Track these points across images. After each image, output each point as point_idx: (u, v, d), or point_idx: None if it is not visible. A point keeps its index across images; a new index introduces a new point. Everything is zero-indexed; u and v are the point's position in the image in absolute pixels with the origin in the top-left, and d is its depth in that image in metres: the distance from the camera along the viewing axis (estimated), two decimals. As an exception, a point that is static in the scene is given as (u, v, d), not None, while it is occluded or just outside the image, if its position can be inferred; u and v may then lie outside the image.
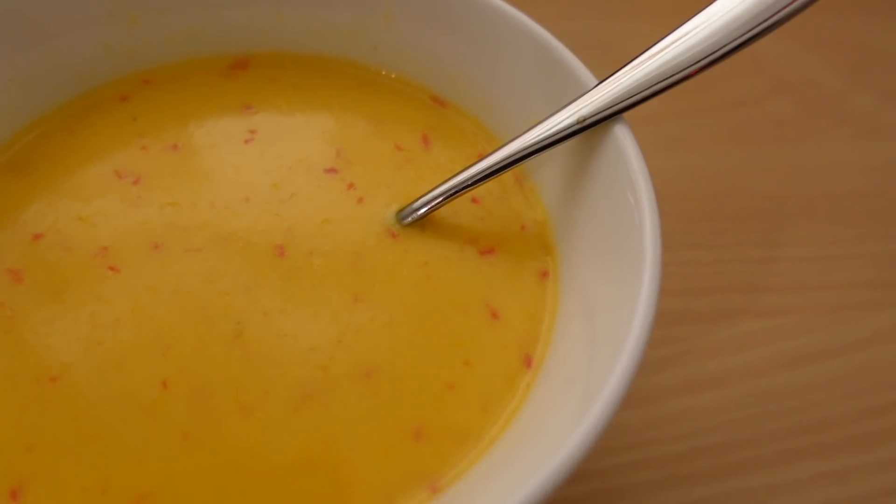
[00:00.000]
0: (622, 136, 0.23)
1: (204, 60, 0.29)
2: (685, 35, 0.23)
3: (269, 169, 0.26)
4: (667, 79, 0.23)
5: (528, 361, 0.23)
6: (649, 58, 0.24)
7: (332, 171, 0.27)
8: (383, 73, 0.30)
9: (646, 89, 0.23)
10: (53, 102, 0.27)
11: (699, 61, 0.23)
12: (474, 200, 0.27)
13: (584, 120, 0.24)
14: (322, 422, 0.21)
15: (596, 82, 0.25)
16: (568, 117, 0.24)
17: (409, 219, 0.26)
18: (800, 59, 0.52)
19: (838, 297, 0.38)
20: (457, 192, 0.25)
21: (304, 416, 0.21)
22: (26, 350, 0.21)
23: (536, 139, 0.24)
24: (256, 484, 0.19)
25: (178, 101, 0.28)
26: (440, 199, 0.25)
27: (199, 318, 0.22)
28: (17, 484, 0.19)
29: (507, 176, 0.28)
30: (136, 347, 0.21)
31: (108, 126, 0.27)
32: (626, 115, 0.24)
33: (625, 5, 0.55)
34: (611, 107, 0.24)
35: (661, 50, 0.24)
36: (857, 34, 0.53)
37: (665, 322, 0.35)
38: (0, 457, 0.19)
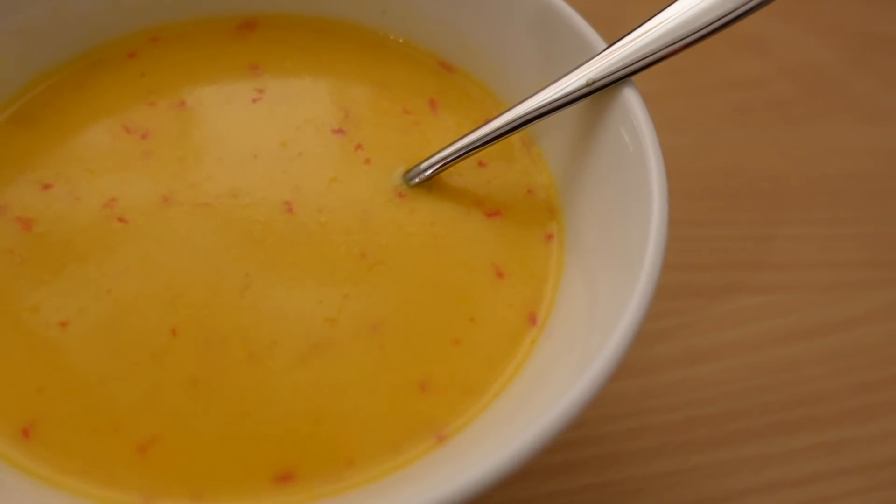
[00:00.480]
0: (631, 98, 0.23)
1: (212, 20, 0.29)
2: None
3: (277, 128, 0.26)
4: (678, 41, 0.23)
5: (532, 319, 0.23)
6: (661, 21, 0.24)
7: (339, 131, 0.27)
8: (391, 37, 0.30)
9: (657, 52, 0.23)
10: (61, 57, 0.27)
11: (712, 23, 0.23)
12: (481, 164, 0.27)
13: (593, 83, 0.24)
14: (329, 372, 0.21)
15: (605, 46, 0.25)
16: (577, 80, 0.24)
17: (417, 179, 0.26)
18: (803, 42, 0.52)
19: (835, 275, 0.39)
20: (464, 153, 0.25)
21: (311, 366, 0.21)
22: (37, 295, 0.21)
23: (544, 101, 0.24)
24: (264, 430, 0.20)
25: (185, 60, 0.28)
26: (447, 160, 0.25)
27: (208, 269, 0.22)
28: (29, 423, 0.19)
29: (514, 140, 0.28)
30: (144, 296, 0.21)
31: (116, 82, 0.27)
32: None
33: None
34: (620, 69, 0.24)
35: (674, 14, 0.24)
36: (861, 18, 0.53)
37: (664, 295, 0.36)
38: (12, 397, 0.19)
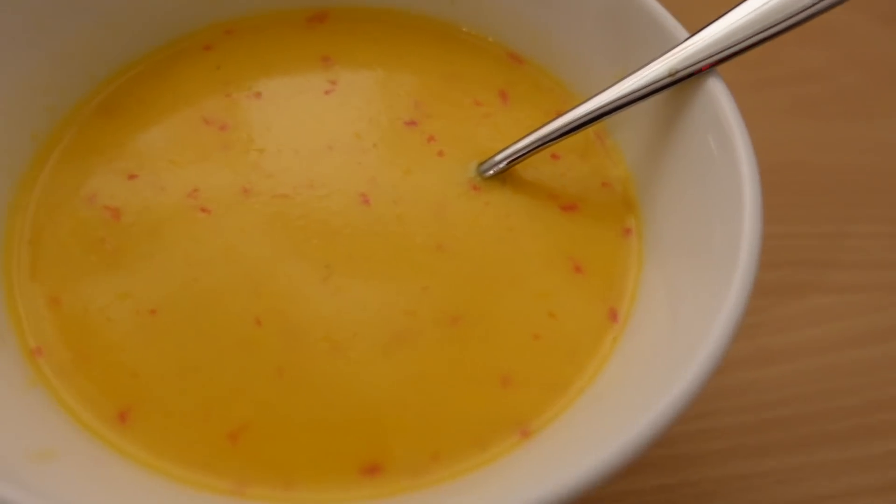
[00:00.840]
0: (716, 89, 0.23)
1: (283, 12, 0.29)
2: None
3: (351, 119, 0.26)
4: (769, 28, 0.22)
5: (613, 316, 0.23)
6: (748, 7, 0.23)
7: (411, 123, 0.27)
8: (460, 28, 0.30)
9: (745, 40, 0.23)
10: (142, 48, 0.27)
11: (805, 10, 0.22)
12: (554, 156, 0.27)
13: (676, 72, 0.23)
14: (410, 364, 0.21)
15: (686, 35, 0.24)
16: (658, 69, 0.23)
17: (491, 171, 0.26)
18: (871, 32, 0.50)
19: (910, 275, 0.37)
20: (539, 146, 0.25)
21: (393, 357, 0.21)
22: (127, 283, 0.21)
23: (624, 92, 0.24)
24: (349, 421, 0.20)
25: (259, 51, 0.28)
26: (521, 153, 0.25)
27: (289, 258, 0.22)
28: (126, 407, 0.19)
29: (588, 132, 0.27)
30: (229, 285, 0.22)
31: (194, 74, 0.27)
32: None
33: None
34: (705, 59, 0.23)
35: (762, 3, 0.23)
36: (936, 7, 0.50)
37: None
38: (109, 382, 0.20)
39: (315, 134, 0.26)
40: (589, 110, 0.24)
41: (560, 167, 0.27)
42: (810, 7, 0.22)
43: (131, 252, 0.22)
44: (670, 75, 0.23)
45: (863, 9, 0.52)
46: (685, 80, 0.23)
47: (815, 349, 0.34)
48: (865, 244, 0.38)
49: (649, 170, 0.25)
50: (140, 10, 0.27)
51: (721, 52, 0.23)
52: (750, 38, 0.23)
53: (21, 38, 0.23)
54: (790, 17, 0.22)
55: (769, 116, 0.44)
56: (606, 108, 0.24)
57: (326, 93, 0.27)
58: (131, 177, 0.24)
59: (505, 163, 0.25)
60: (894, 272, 0.37)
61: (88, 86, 0.26)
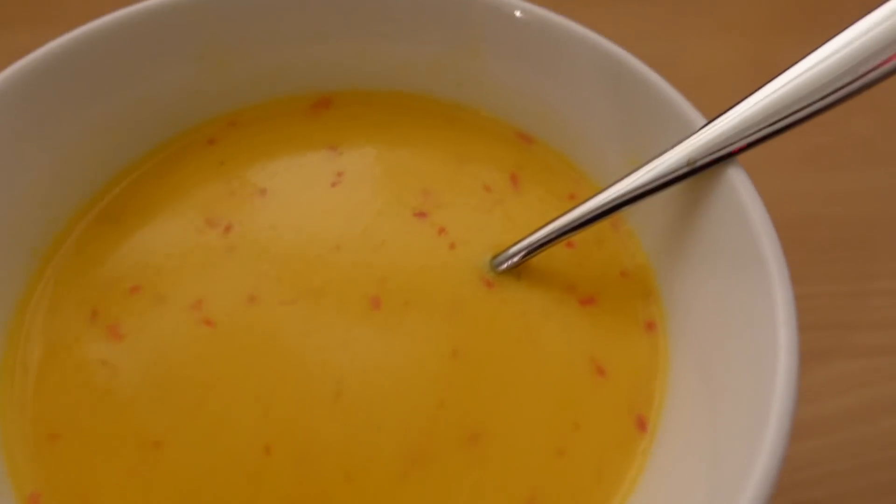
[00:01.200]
0: (737, 180, 0.22)
1: (287, 99, 0.29)
2: (812, 66, 0.21)
3: (359, 214, 0.26)
4: (791, 114, 0.21)
5: (641, 424, 0.22)
6: (770, 92, 0.22)
7: (421, 214, 0.26)
8: (468, 109, 0.30)
9: (766, 126, 0.21)
10: (143, 148, 0.27)
11: (830, 95, 0.21)
12: (569, 245, 0.26)
13: (694, 162, 0.23)
14: (430, 491, 0.20)
15: (703, 120, 0.23)
16: (674, 158, 0.22)
17: (504, 266, 0.25)
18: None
19: (940, 334, 0.36)
20: (553, 238, 0.24)
21: (412, 484, 0.20)
22: (129, 413, 0.20)
23: (639, 184, 0.23)
24: (367, 559, 0.19)
25: (263, 143, 0.28)
26: (535, 246, 0.24)
27: (298, 376, 0.21)
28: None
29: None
30: (237, 408, 0.21)
31: (197, 171, 0.26)
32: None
33: (688, 21, 0.53)
34: (724, 147, 0.22)
35: (784, 84, 0.22)
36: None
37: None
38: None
39: (322, 232, 0.25)
40: (603, 202, 0.23)
41: (576, 255, 0.26)
42: (834, 93, 0.21)
43: (133, 376, 0.21)
44: (688, 164, 0.23)
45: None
46: (704, 170, 0.22)
47: (846, 420, 0.32)
48: (889, 301, 0.37)
49: (668, 259, 0.25)
50: (141, 108, 0.26)
51: (740, 139, 0.22)
52: (770, 124, 0.22)
53: (19, 149, 0.23)
54: (811, 104, 0.21)
55: (781, 168, 0.43)
56: (622, 200, 0.23)
57: (333, 185, 0.27)
58: (133, 289, 0.23)
59: (519, 257, 0.24)
60: (920, 330, 0.36)
61: (89, 193, 0.25)
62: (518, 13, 0.26)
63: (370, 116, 0.29)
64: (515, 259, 0.24)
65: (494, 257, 0.25)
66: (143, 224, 0.25)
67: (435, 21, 0.28)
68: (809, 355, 0.35)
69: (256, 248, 0.24)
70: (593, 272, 0.25)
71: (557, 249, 0.26)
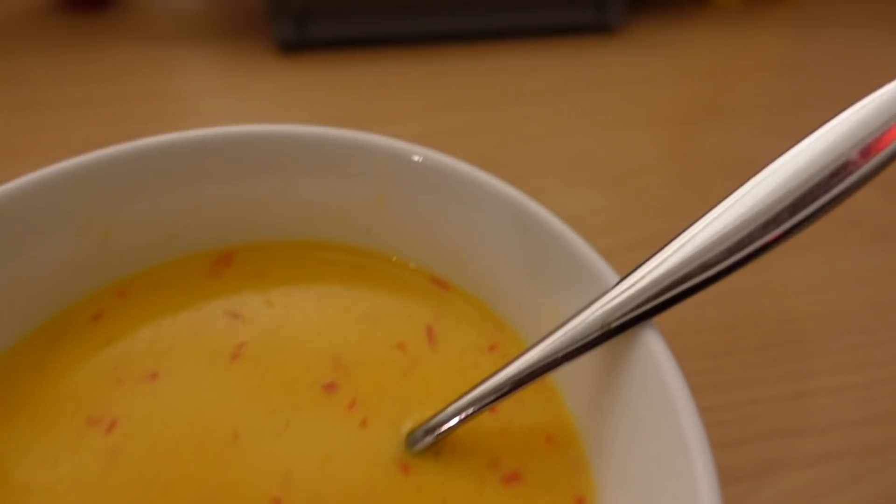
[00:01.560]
0: (654, 346, 0.21)
1: (184, 260, 0.27)
2: (726, 210, 0.19)
3: (261, 392, 0.24)
4: (707, 268, 0.19)
5: None
6: (684, 242, 0.19)
7: (330, 386, 0.24)
8: (379, 256, 0.28)
9: (681, 283, 0.20)
10: (21, 331, 0.24)
11: (746, 246, 0.18)
12: (491, 409, 0.24)
13: (608, 325, 0.22)
14: None
15: (616, 277, 0.23)
16: (588, 320, 0.21)
17: (420, 445, 0.23)
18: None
19: (885, 433, 0.35)
20: (470, 415, 0.22)
21: None
22: None
23: (552, 350, 0.21)
24: None
25: (156, 314, 0.25)
26: (453, 422, 0.22)
27: None
28: None
29: (525, 377, 0.25)
30: None
31: (80, 356, 0.24)
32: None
33: (609, 117, 0.54)
34: (637, 307, 0.21)
35: (699, 231, 0.19)
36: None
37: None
38: None
39: (220, 420, 0.23)
40: (515, 372, 0.22)
41: (498, 420, 0.24)
42: (756, 241, 0.19)
43: None
44: (602, 328, 0.22)
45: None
46: (620, 333, 0.21)
47: (802, 542, 0.31)
48: (830, 401, 0.37)
49: (593, 419, 0.23)
50: (15, 291, 0.24)
51: (653, 299, 0.21)
52: (685, 280, 0.20)
53: None
54: (732, 253, 0.19)
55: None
56: (536, 368, 0.22)
57: (234, 358, 0.25)
58: (-1, 518, 0.20)
59: (433, 436, 0.23)
60: (866, 430, 0.35)
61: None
62: (416, 157, 0.26)
63: (275, 273, 0.27)
64: (429, 440, 0.23)
65: (410, 433, 0.23)
66: (21, 426, 0.22)
67: (338, 169, 0.27)
68: (759, 470, 0.34)
69: (143, 450, 0.22)
70: (517, 440, 0.24)
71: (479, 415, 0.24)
